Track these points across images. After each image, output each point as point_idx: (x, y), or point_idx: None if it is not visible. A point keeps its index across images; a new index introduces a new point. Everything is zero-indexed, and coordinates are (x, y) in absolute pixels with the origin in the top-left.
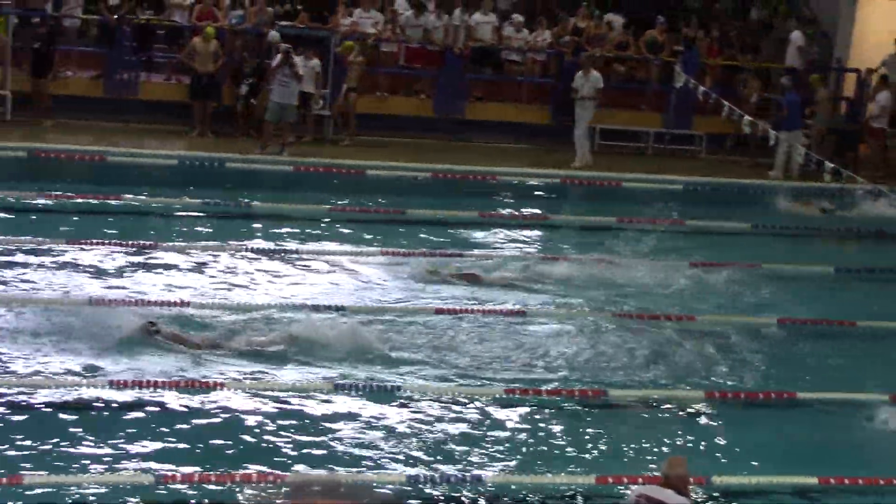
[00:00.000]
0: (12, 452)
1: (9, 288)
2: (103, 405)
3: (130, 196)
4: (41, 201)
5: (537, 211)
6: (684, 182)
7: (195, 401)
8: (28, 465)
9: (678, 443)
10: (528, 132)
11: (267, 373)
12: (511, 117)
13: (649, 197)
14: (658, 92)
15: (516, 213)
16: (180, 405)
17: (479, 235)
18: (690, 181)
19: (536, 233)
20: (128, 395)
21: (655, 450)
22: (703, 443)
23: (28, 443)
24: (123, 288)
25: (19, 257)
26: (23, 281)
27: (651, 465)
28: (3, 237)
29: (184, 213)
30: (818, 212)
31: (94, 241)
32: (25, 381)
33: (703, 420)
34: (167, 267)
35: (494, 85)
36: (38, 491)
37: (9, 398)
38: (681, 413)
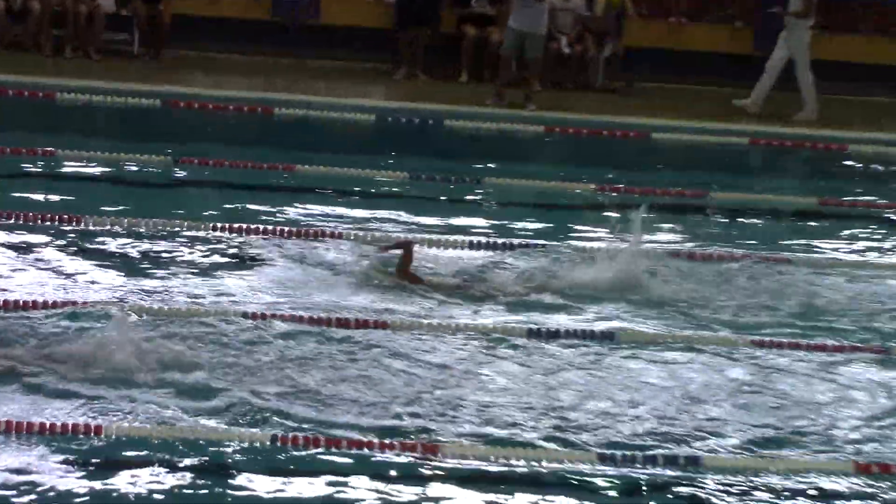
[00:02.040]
0: None
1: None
2: None
3: (306, 166)
4: (179, 169)
5: None
6: None
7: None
8: None
9: None
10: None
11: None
12: (866, 57)
13: None
14: None
15: (876, 201)
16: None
17: (816, 230)
18: None
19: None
20: None
21: None
22: None
23: None
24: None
25: (158, 243)
26: (159, 277)
27: None
28: (136, 219)
29: (385, 191)
30: None
31: (253, 226)
32: None
33: None
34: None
35: (841, 11)
36: None
37: None
38: None
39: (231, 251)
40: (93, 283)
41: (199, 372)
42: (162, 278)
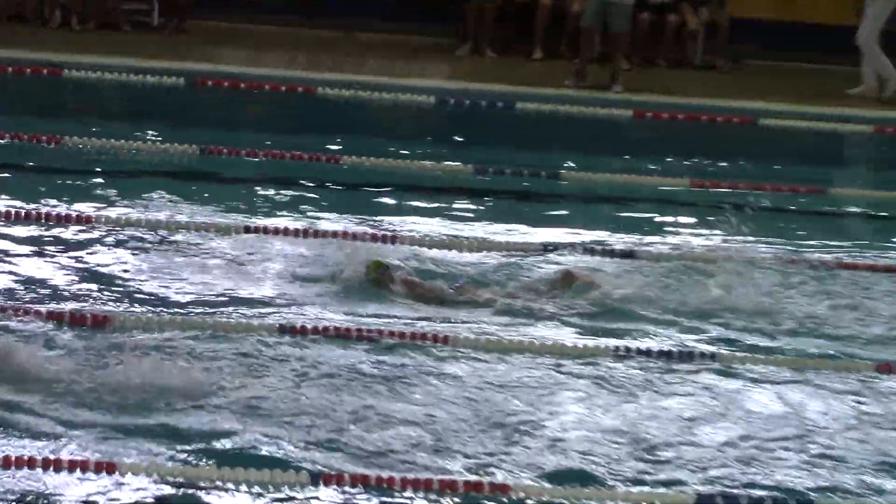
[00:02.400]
0: None
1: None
2: None
3: (354, 157)
4: (206, 159)
5: None
6: None
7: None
8: None
9: None
10: None
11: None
12: None
13: None
14: None
15: None
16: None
17: None
18: None
19: None
20: None
21: None
22: None
23: None
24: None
25: (177, 244)
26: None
27: None
28: (154, 216)
29: (447, 186)
30: None
31: (291, 226)
32: None
33: None
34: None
35: None
36: None
37: None
38: None
39: (264, 254)
40: (95, 286)
41: (221, 395)
42: (179, 284)
